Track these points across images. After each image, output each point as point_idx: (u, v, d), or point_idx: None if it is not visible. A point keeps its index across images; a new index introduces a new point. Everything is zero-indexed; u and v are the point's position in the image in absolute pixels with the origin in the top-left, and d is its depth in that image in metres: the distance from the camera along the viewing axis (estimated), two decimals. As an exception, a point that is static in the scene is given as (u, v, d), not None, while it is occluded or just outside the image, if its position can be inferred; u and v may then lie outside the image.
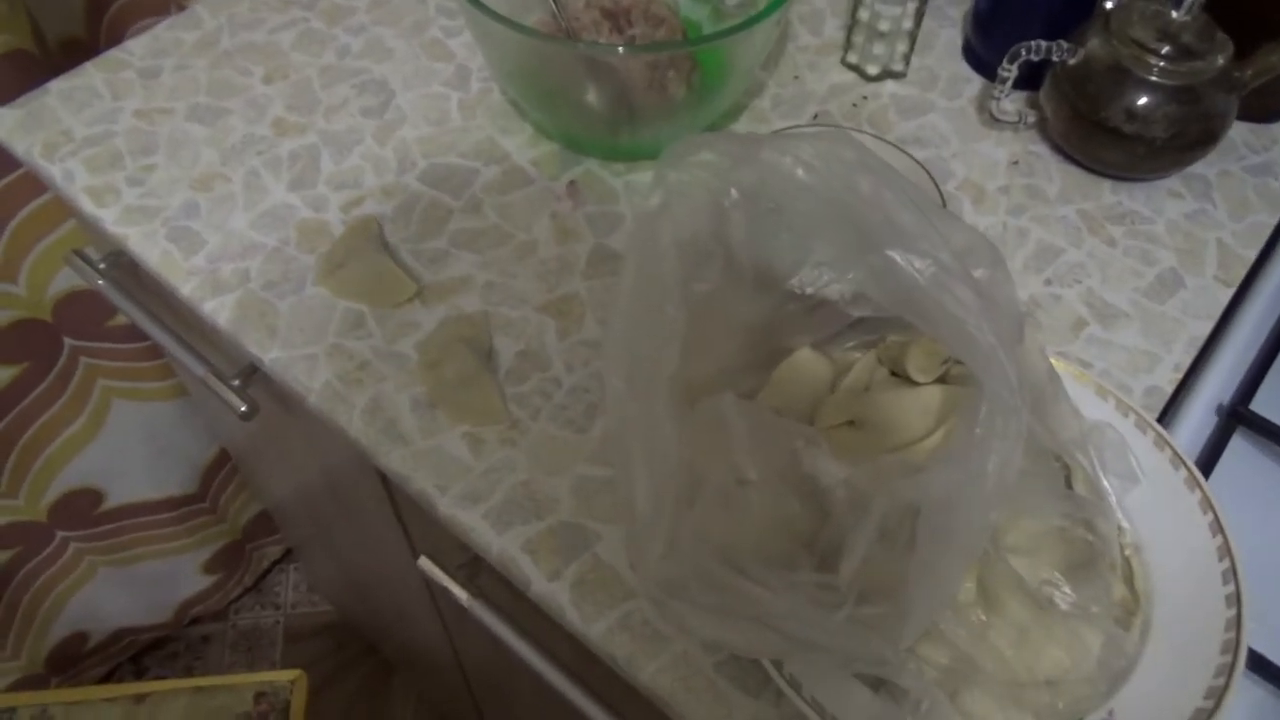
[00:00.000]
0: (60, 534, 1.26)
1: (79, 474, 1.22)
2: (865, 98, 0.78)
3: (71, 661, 1.41)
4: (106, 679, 1.52)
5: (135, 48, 0.80)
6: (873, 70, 0.79)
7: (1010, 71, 0.70)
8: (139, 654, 1.57)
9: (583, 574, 0.54)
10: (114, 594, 1.38)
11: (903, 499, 0.43)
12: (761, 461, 0.48)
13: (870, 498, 0.44)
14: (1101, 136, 0.69)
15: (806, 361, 0.54)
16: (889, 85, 0.79)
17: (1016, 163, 0.74)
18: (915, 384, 0.50)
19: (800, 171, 0.46)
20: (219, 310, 0.65)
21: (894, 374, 0.52)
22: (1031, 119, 0.74)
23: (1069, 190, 0.72)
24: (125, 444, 1.24)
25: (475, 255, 0.68)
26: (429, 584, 0.73)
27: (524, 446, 0.59)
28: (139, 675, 1.57)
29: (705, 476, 0.49)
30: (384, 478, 0.68)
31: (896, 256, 0.42)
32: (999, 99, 0.72)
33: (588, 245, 0.68)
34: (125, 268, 0.76)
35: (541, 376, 0.62)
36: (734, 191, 0.51)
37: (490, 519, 0.56)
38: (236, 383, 0.69)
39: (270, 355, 0.63)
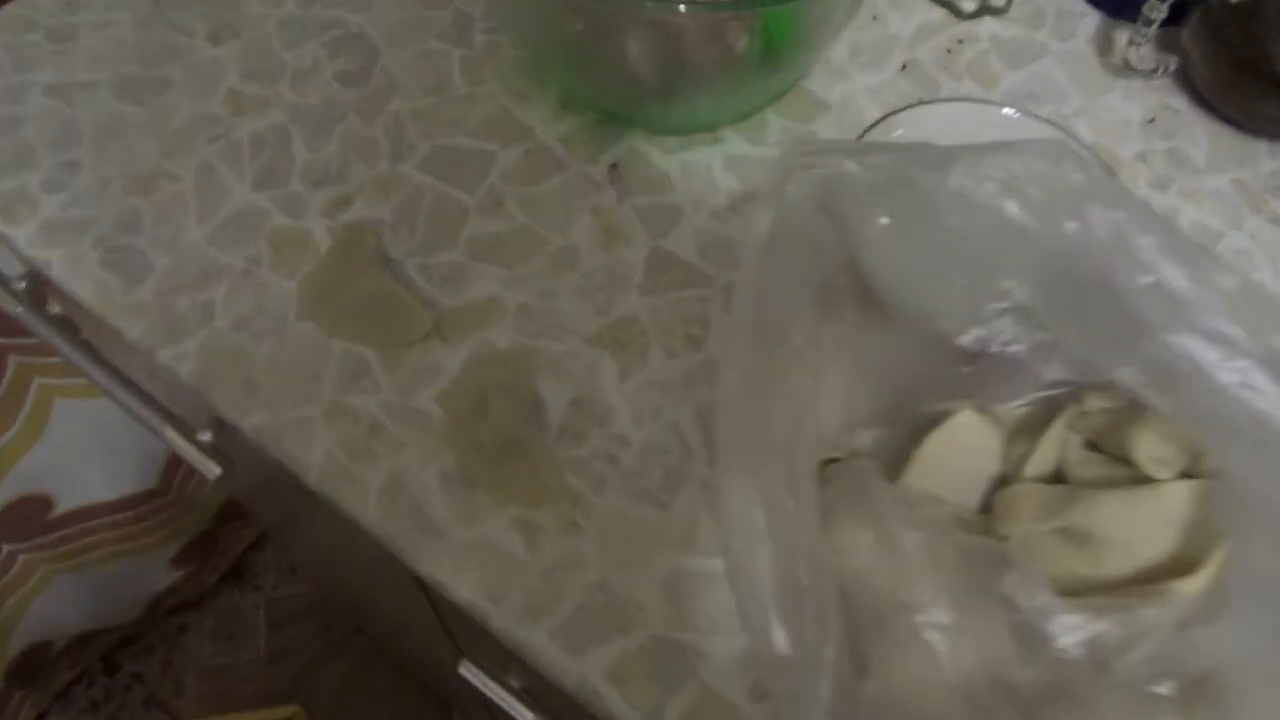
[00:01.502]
0: (7, 547, 1.12)
1: (22, 481, 1.08)
2: (960, 41, 0.64)
3: (35, 672, 1.28)
4: (75, 683, 1.41)
5: (42, 1, 0.63)
6: (968, 6, 0.64)
7: (1161, 11, 0.56)
8: (110, 651, 1.45)
9: (689, 709, 0.42)
10: (75, 600, 1.25)
11: (1181, 662, 0.31)
12: (946, 586, 0.36)
13: (1122, 652, 0.32)
14: (1266, 88, 0.56)
15: (970, 429, 0.41)
16: (987, 24, 0.65)
17: (1153, 120, 0.60)
18: (1134, 475, 0.37)
19: (1010, 204, 0.33)
20: (179, 360, 0.50)
21: (1092, 447, 0.40)
22: (1172, 66, 0.60)
23: (1219, 155, 0.59)
24: (72, 445, 1.10)
25: (502, 269, 0.53)
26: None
27: (592, 533, 0.46)
28: (111, 674, 1.46)
29: (865, 604, 0.37)
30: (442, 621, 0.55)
31: (1191, 348, 0.29)
32: (1140, 44, 0.58)
33: (642, 250, 0.54)
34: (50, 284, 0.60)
35: (603, 433, 0.48)
36: (884, 218, 0.37)
37: (560, 638, 0.44)
38: (206, 437, 0.55)
39: (250, 420, 0.49)
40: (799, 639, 0.36)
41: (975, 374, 0.39)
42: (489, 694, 0.51)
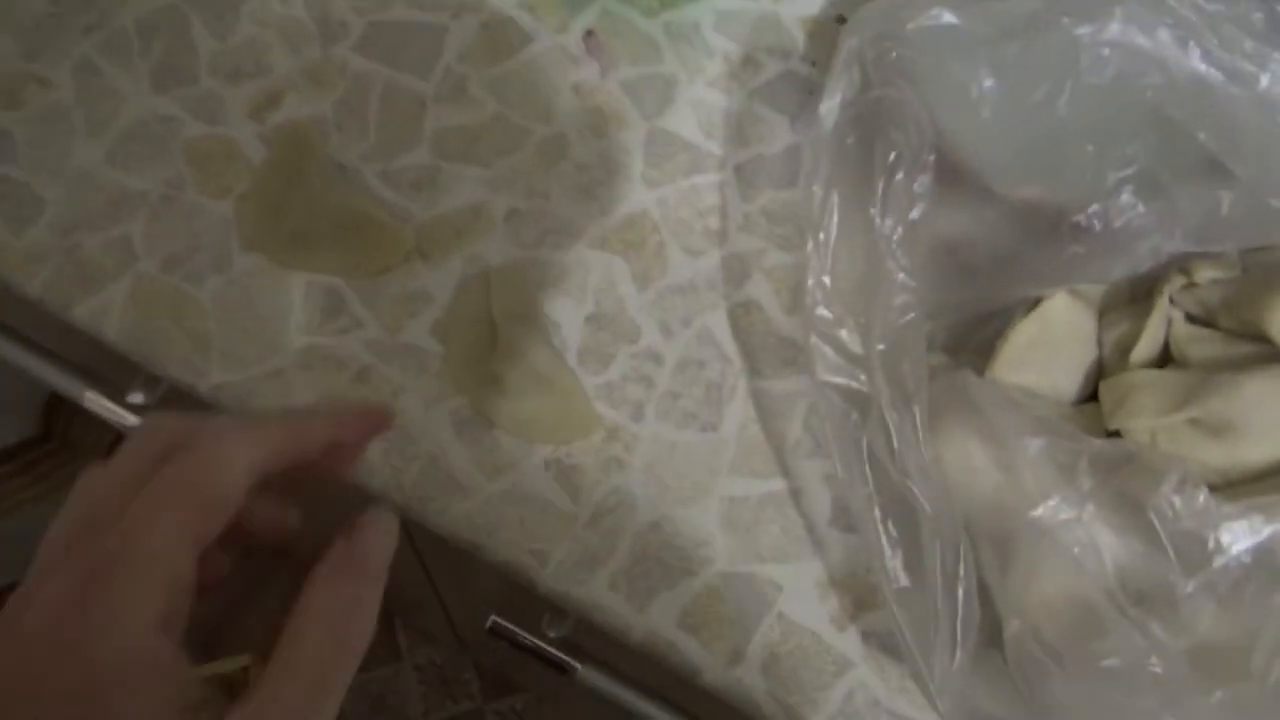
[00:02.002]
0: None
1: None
2: None
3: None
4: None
5: None
6: None
7: None
8: None
9: (772, 649, 0.38)
10: (-36, 564, 1.13)
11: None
12: (1081, 497, 0.32)
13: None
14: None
15: (1062, 313, 0.37)
16: None
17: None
18: (1267, 352, 0.34)
19: (1188, 56, 0.27)
20: (100, 316, 0.41)
21: (1197, 322, 0.36)
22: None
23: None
24: (-67, 400, 0.96)
25: (480, 168, 0.45)
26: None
27: (637, 468, 0.40)
28: None
29: (983, 523, 0.33)
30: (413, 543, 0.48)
31: None
32: None
33: (639, 131, 0.47)
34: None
35: (630, 352, 0.42)
36: (989, 79, 0.32)
37: (621, 589, 0.39)
38: (138, 398, 0.46)
39: (208, 381, 0.40)
40: (924, 572, 0.32)
41: (1078, 252, 0.34)
42: (525, 642, 0.46)
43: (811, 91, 0.48)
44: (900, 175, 0.32)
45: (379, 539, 0.25)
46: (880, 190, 0.32)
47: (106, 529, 0.22)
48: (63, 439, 1.14)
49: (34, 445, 1.10)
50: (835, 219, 0.33)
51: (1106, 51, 0.30)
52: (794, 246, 0.45)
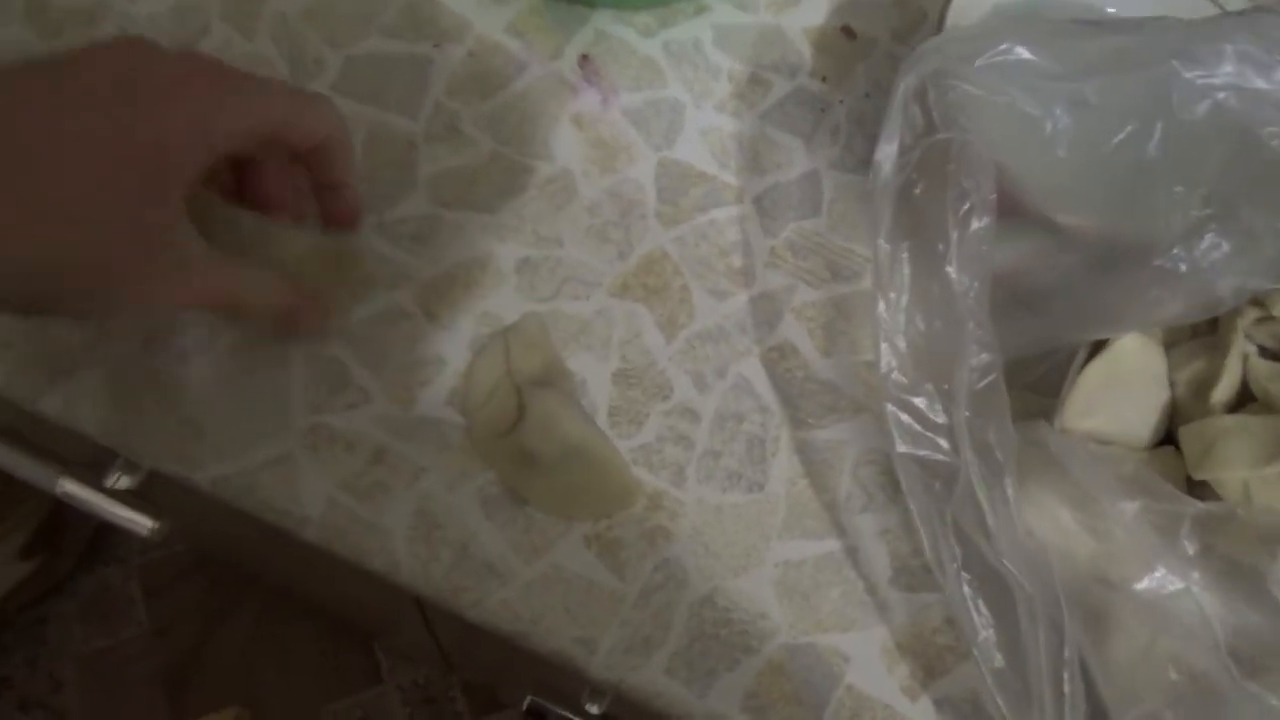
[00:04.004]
0: None
1: None
2: None
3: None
4: (-70, 706, 1.22)
5: None
6: None
7: None
8: (-39, 665, 1.26)
9: (844, 724, 0.36)
10: (-90, 624, 1.06)
11: None
12: (1185, 566, 0.30)
13: None
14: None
15: (1133, 354, 0.35)
16: None
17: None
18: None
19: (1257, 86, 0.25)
20: (70, 408, 0.37)
21: (1272, 357, 0.34)
22: None
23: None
24: None
25: (484, 214, 0.42)
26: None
27: (684, 537, 0.38)
28: (-30, 683, 1.27)
29: (1074, 593, 0.31)
30: (421, 608, 0.44)
31: None
32: None
33: (648, 163, 0.44)
34: None
35: (664, 409, 0.39)
36: (1060, 116, 0.29)
37: (679, 673, 0.36)
38: (123, 481, 0.42)
39: (205, 473, 0.36)
40: (1022, 651, 0.30)
41: (1159, 295, 0.32)
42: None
43: (824, 110, 0.46)
44: (974, 225, 0.30)
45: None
46: (955, 243, 0.29)
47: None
48: (6, 480, 1.08)
49: None
50: (907, 275, 0.30)
51: (1219, 93, 0.27)
52: (822, 282, 0.42)
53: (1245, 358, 0.34)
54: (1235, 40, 0.27)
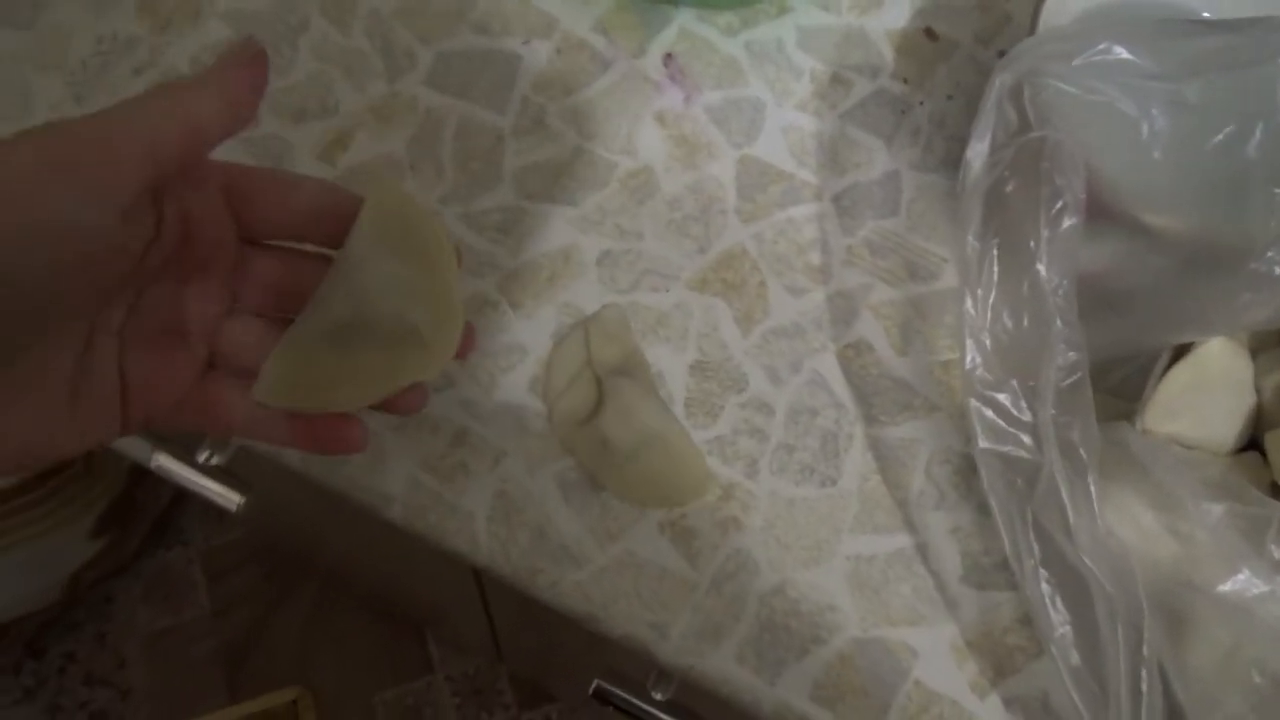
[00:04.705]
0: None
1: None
2: None
3: (-47, 678, 1.14)
4: None
5: None
6: None
7: None
8: (32, 638, 1.31)
9: (912, 719, 0.36)
10: (-12, 594, 1.11)
11: None
12: (1275, 561, 0.30)
13: None
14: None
15: (1218, 358, 0.34)
16: None
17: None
18: None
19: None
20: (179, 382, 0.38)
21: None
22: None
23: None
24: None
25: (567, 207, 0.43)
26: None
27: (756, 528, 0.38)
28: (37, 657, 1.32)
29: (1155, 598, 0.31)
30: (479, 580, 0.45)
31: None
32: None
33: (729, 160, 0.44)
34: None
35: (739, 401, 0.40)
36: (1158, 116, 0.29)
37: (749, 661, 0.36)
38: (214, 458, 0.43)
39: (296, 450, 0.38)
40: (1100, 651, 0.30)
41: (1252, 299, 0.32)
42: (624, 703, 0.43)
43: (904, 111, 0.46)
44: (1065, 224, 0.30)
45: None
46: (1045, 241, 0.30)
47: None
48: (86, 463, 1.12)
49: (52, 473, 1.07)
50: (995, 273, 0.30)
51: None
52: (900, 280, 0.42)
53: (1335, 365, 0.34)
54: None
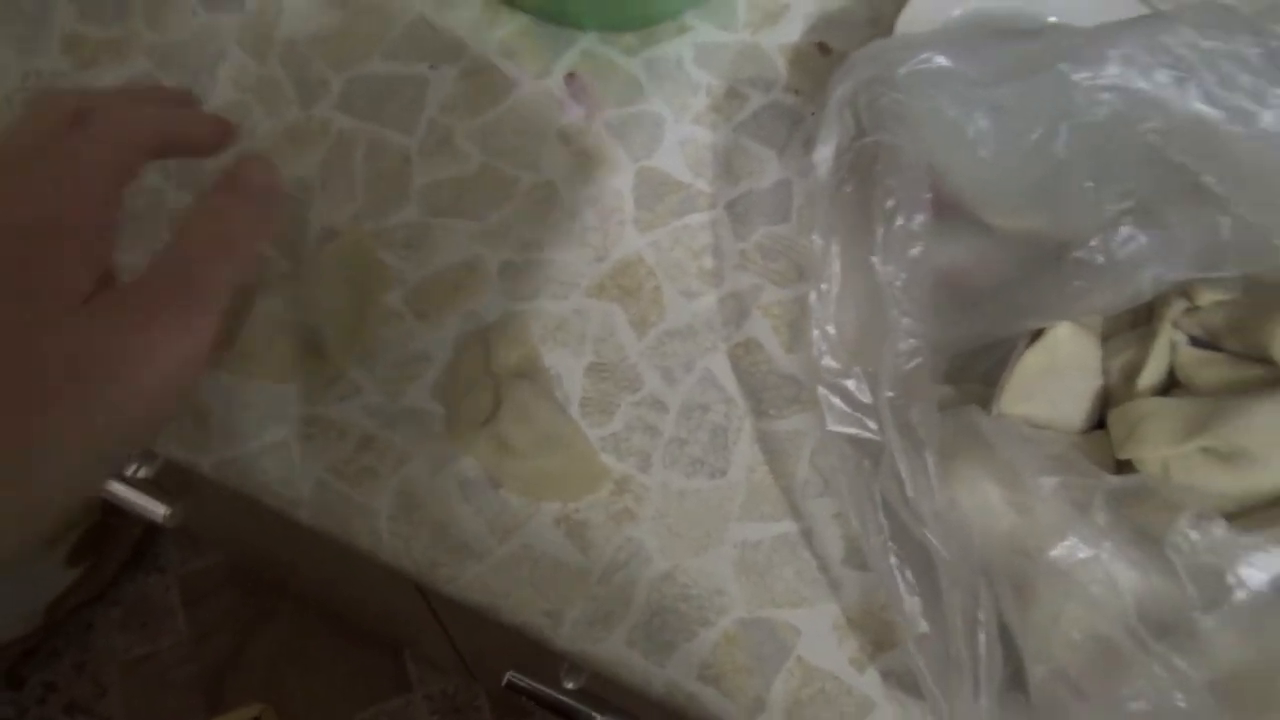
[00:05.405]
0: None
1: None
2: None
3: (-68, 709, 1.15)
4: (-20, 706, 1.28)
5: None
6: None
7: None
8: (12, 666, 1.32)
9: (794, 694, 0.38)
10: (-36, 625, 1.12)
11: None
12: (1099, 535, 0.32)
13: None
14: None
15: (1067, 343, 0.37)
16: None
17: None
18: (1275, 374, 0.34)
19: (1185, 94, 0.27)
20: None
21: (1200, 345, 0.36)
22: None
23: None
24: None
25: (470, 222, 0.45)
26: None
27: (648, 518, 0.40)
28: (16, 687, 1.33)
29: (998, 564, 0.33)
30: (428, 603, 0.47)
31: None
32: None
33: (628, 173, 0.47)
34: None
35: (633, 400, 0.42)
36: (980, 120, 0.32)
37: (639, 644, 0.38)
38: (141, 470, 0.46)
39: (208, 459, 0.40)
40: (943, 617, 0.32)
41: (1081, 285, 0.34)
42: (535, 692, 0.45)
43: (797, 122, 0.48)
44: (899, 221, 0.32)
45: (256, 165, 0.29)
46: (880, 237, 0.32)
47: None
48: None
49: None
50: (837, 267, 0.33)
51: (1105, 94, 0.30)
52: (789, 282, 0.45)
53: (1175, 346, 0.36)
54: (1120, 44, 0.29)
